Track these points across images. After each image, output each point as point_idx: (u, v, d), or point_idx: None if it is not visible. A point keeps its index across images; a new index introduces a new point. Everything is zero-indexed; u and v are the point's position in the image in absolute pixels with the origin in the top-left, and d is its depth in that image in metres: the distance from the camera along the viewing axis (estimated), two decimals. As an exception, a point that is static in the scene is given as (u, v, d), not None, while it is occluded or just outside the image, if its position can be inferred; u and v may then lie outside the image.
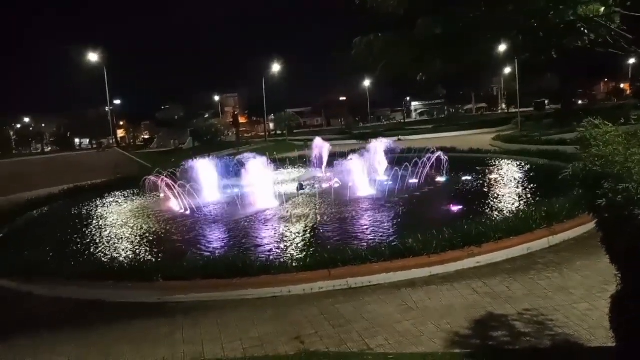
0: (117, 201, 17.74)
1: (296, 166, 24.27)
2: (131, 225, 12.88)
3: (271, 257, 8.09)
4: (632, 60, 65.56)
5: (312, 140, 25.29)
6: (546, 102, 67.00)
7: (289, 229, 10.81)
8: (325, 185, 16.26)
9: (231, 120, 78.25)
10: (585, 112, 39.22)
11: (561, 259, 7.31)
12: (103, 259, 9.30)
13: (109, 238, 11.50)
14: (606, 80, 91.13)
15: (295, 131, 68.78)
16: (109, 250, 10.25)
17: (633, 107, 39.65)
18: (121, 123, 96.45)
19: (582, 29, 4.91)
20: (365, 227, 10.58)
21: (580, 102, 69.26)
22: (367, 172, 15.34)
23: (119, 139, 70.16)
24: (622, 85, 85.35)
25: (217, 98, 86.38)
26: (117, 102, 69.92)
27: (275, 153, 24.26)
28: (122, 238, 11.42)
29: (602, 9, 4.75)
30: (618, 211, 3.52)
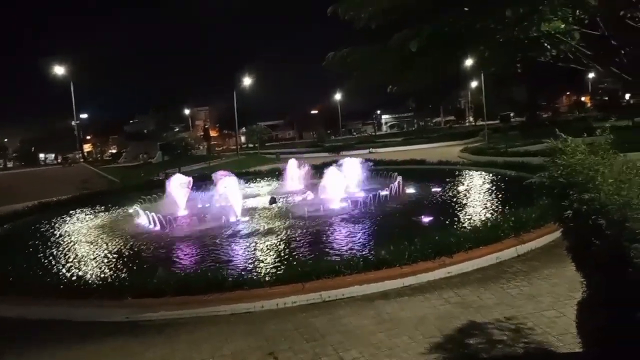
0: (84, 217, 17.26)
1: (268, 179, 24.17)
2: (98, 242, 12.53)
3: (243, 272, 7.98)
4: (591, 75, 68.33)
5: (283, 154, 25.27)
6: (511, 114, 69.00)
7: (261, 243, 10.71)
8: (298, 199, 16.23)
9: (202, 133, 77.63)
10: (550, 123, 40.69)
11: (529, 267, 7.47)
12: (70, 277, 8.99)
13: (76, 256, 11.15)
14: (568, 93, 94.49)
15: (267, 144, 68.73)
16: (76, 269, 9.91)
17: (594, 119, 41.32)
18: (88, 137, 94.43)
19: (545, 44, 5.11)
20: (338, 239, 10.58)
21: (544, 115, 71.49)
22: (339, 185, 15.38)
23: (85, 154, 68.60)
24: (582, 99, 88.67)
25: (187, 112, 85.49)
26: (84, 116, 68.48)
27: (247, 166, 24.13)
28: (89, 255, 11.09)
29: (563, 25, 4.96)
30: (583, 220, 3.62)
